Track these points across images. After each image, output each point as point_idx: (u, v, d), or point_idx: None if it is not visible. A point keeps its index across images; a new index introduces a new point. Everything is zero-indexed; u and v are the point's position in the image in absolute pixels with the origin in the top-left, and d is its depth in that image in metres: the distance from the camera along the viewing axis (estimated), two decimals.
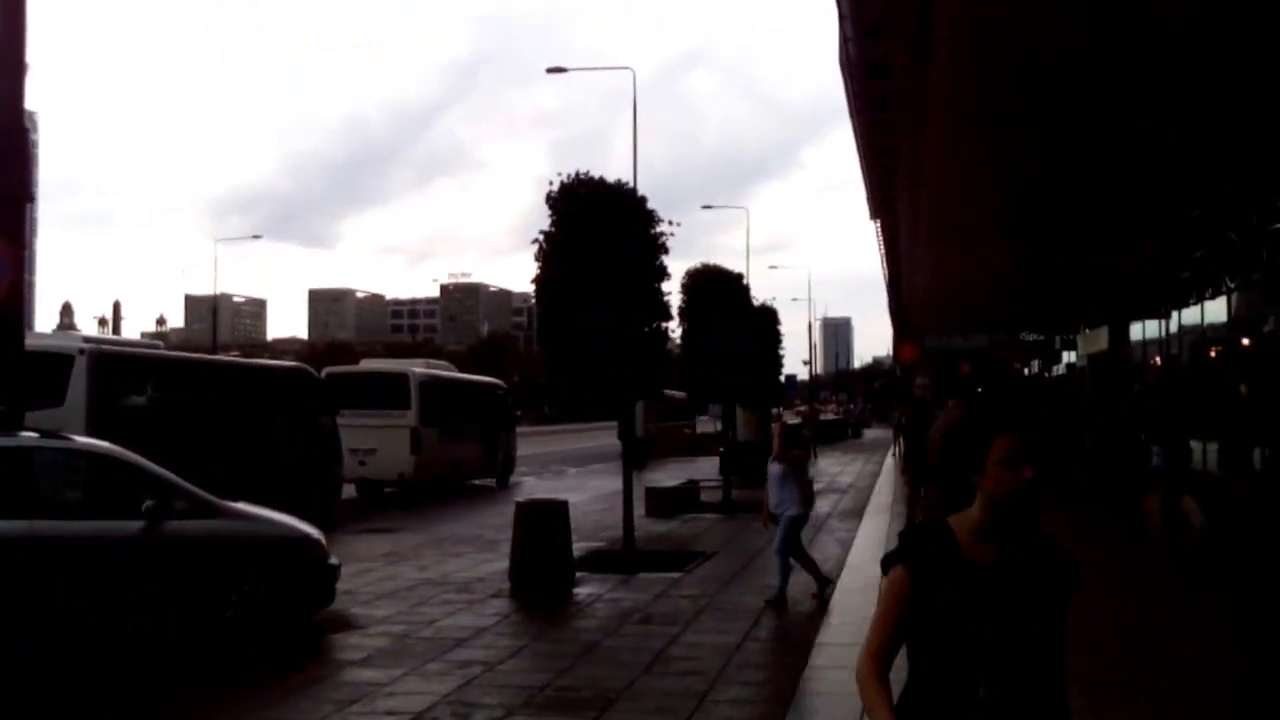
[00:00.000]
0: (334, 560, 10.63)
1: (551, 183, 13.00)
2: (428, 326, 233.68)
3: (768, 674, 8.75)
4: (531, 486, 30.57)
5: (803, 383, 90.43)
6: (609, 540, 16.67)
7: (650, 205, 13.78)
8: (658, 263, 13.47)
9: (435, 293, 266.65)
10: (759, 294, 26.00)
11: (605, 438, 59.58)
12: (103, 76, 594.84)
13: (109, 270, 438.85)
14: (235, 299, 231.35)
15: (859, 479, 32.33)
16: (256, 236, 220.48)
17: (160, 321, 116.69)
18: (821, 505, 23.14)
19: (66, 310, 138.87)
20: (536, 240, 13.22)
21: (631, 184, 14.13)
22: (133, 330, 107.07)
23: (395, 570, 14.20)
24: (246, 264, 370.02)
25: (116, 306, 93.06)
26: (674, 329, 15.02)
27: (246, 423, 17.95)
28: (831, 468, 38.05)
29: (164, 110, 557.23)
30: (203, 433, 16.68)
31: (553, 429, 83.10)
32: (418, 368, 27.02)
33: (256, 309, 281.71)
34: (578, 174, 13.07)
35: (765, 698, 8.04)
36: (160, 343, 28.55)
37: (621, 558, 14.26)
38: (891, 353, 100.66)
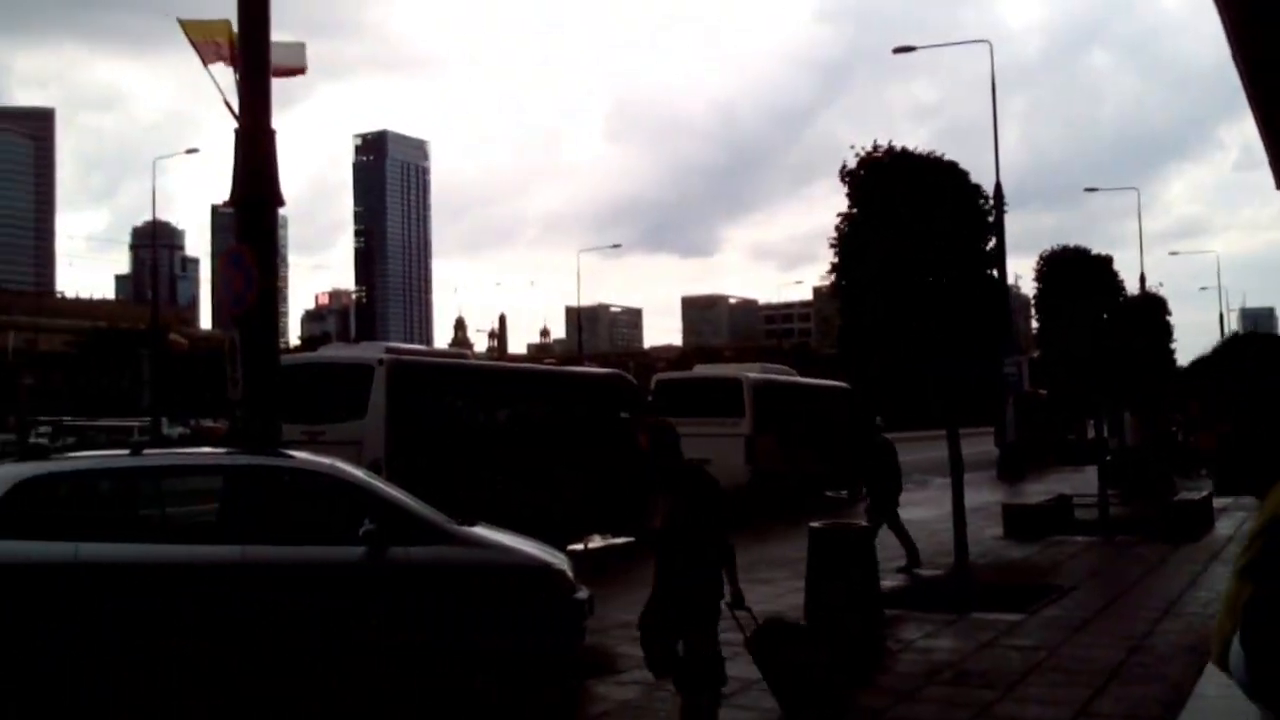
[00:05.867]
0: (582, 593, 9.25)
1: (846, 160, 11.18)
2: (802, 330, 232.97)
3: None
4: None
5: None
6: (951, 567, 14.54)
7: (1026, 189, 11.74)
8: (983, 243, 11.32)
9: (809, 295, 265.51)
10: (1156, 282, 22.78)
11: (984, 444, 55.66)
12: (488, 102, 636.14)
13: (504, 285, 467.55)
14: (612, 309, 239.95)
15: None
16: (616, 245, 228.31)
17: (544, 333, 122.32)
18: None
19: (459, 325, 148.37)
20: (837, 225, 11.44)
21: (994, 167, 12.18)
22: (519, 342, 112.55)
23: None
24: (625, 275, 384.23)
25: (502, 320, 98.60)
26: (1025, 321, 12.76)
27: (554, 432, 17.09)
28: None
29: (545, 133, 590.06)
30: (507, 443, 15.97)
31: (926, 434, 79.62)
32: (752, 372, 25.58)
33: (633, 318, 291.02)
34: (875, 144, 11.18)
35: None
36: (467, 351, 28.50)
37: (954, 592, 12.16)
38: None
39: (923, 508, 24.18)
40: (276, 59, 10.71)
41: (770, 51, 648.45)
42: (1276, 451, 2.03)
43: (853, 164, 11.04)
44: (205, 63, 10.81)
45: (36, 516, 8.16)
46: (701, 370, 29.18)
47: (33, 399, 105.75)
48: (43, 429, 70.46)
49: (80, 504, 8.53)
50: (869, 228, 10.87)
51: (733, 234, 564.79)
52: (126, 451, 9.28)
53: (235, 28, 10.55)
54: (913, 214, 10.81)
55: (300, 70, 11.56)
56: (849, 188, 11.07)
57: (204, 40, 10.87)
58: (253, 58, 10.36)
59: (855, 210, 11.04)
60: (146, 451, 9.69)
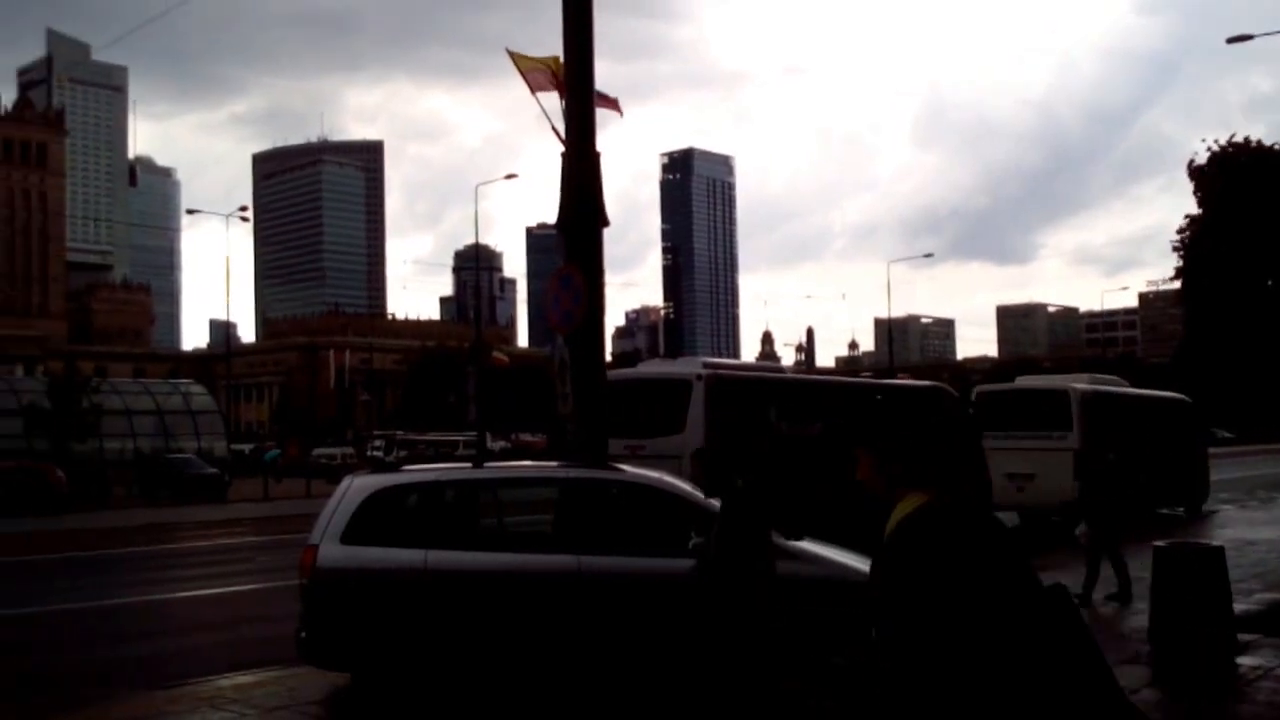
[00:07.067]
0: None
1: (1195, 155, 10.52)
2: (1126, 339, 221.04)
3: None
4: (1228, 517, 26.56)
5: None
6: None
7: None
8: None
9: (1134, 302, 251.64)
10: None
11: None
12: (793, 115, 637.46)
13: (814, 297, 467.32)
14: (923, 320, 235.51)
15: None
16: (927, 255, 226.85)
17: (852, 346, 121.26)
18: None
19: (767, 339, 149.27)
20: (1181, 229, 10.79)
21: None
22: (827, 355, 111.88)
23: None
24: (936, 285, 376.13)
25: (809, 332, 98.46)
26: None
27: None
28: None
29: (852, 142, 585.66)
30: (824, 457, 15.87)
31: (1265, 448, 73.99)
32: (1080, 384, 24.38)
33: (944, 329, 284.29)
34: (1229, 141, 10.46)
35: None
36: (783, 365, 28.49)
37: None
38: None
39: (1270, 527, 22.46)
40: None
41: (1088, 46, 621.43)
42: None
43: (1202, 159, 10.39)
44: (533, 90, 11.31)
45: (389, 525, 8.71)
46: (1025, 381, 28.02)
47: (367, 414, 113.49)
48: (376, 443, 75.42)
49: (427, 513, 9.02)
50: (1221, 228, 10.17)
51: (1051, 239, 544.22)
52: (468, 464, 9.81)
53: (561, 57, 11.01)
54: (1270, 213, 10.06)
55: (617, 109, 11.92)
56: (1196, 186, 10.41)
57: (532, 69, 11.38)
58: (578, 84, 10.75)
59: (1203, 210, 10.36)
60: (487, 464, 10.22)
